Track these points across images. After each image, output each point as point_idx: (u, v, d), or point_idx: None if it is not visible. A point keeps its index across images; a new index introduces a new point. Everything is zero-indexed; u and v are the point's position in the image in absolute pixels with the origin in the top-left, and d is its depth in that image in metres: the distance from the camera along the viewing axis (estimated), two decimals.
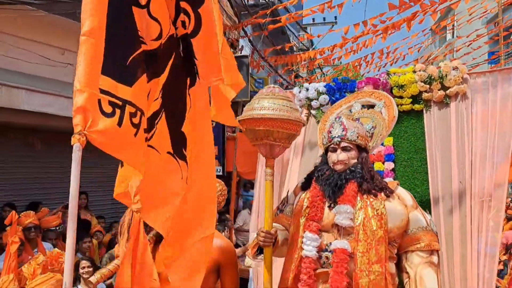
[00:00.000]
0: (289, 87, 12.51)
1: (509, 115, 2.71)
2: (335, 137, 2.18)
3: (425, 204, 2.71)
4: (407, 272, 2.11)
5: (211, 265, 2.11)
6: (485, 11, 7.37)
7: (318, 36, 8.20)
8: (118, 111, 1.47)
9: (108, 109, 1.44)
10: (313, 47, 10.47)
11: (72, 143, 1.36)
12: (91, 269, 4.00)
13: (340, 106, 2.75)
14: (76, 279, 4.03)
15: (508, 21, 8.22)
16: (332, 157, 2.18)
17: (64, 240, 5.05)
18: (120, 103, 1.49)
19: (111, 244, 5.28)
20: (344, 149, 2.17)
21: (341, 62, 10.29)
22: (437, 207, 2.77)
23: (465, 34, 8.38)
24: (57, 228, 4.87)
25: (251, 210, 6.54)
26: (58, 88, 5.40)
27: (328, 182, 2.14)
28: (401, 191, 2.21)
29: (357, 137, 2.18)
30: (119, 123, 1.47)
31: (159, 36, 1.69)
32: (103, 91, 1.44)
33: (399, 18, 6.85)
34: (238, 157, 8.29)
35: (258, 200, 3.26)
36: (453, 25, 11.18)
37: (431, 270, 2.07)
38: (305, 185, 2.31)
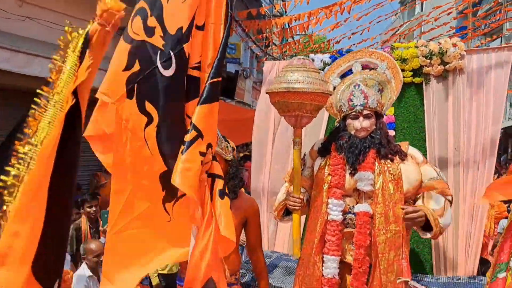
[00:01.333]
0: (260, 55, 12.44)
1: (501, 89, 2.99)
2: (357, 105, 2.31)
3: None
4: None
5: (240, 218, 2.34)
6: None
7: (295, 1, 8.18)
8: None
9: None
10: (287, 13, 10.46)
11: None
12: None
13: (339, 65, 2.78)
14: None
15: None
16: (355, 124, 2.32)
17: None
18: None
19: None
20: (366, 116, 2.31)
21: (312, 31, 10.40)
22: None
23: (434, 7, 8.68)
24: None
25: None
26: (15, 43, 5.00)
27: (351, 150, 2.29)
28: (412, 151, 2.39)
29: (377, 104, 2.34)
30: None
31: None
32: None
33: None
34: None
35: (256, 169, 3.49)
36: None
37: (441, 197, 2.27)
38: (322, 151, 2.44)
